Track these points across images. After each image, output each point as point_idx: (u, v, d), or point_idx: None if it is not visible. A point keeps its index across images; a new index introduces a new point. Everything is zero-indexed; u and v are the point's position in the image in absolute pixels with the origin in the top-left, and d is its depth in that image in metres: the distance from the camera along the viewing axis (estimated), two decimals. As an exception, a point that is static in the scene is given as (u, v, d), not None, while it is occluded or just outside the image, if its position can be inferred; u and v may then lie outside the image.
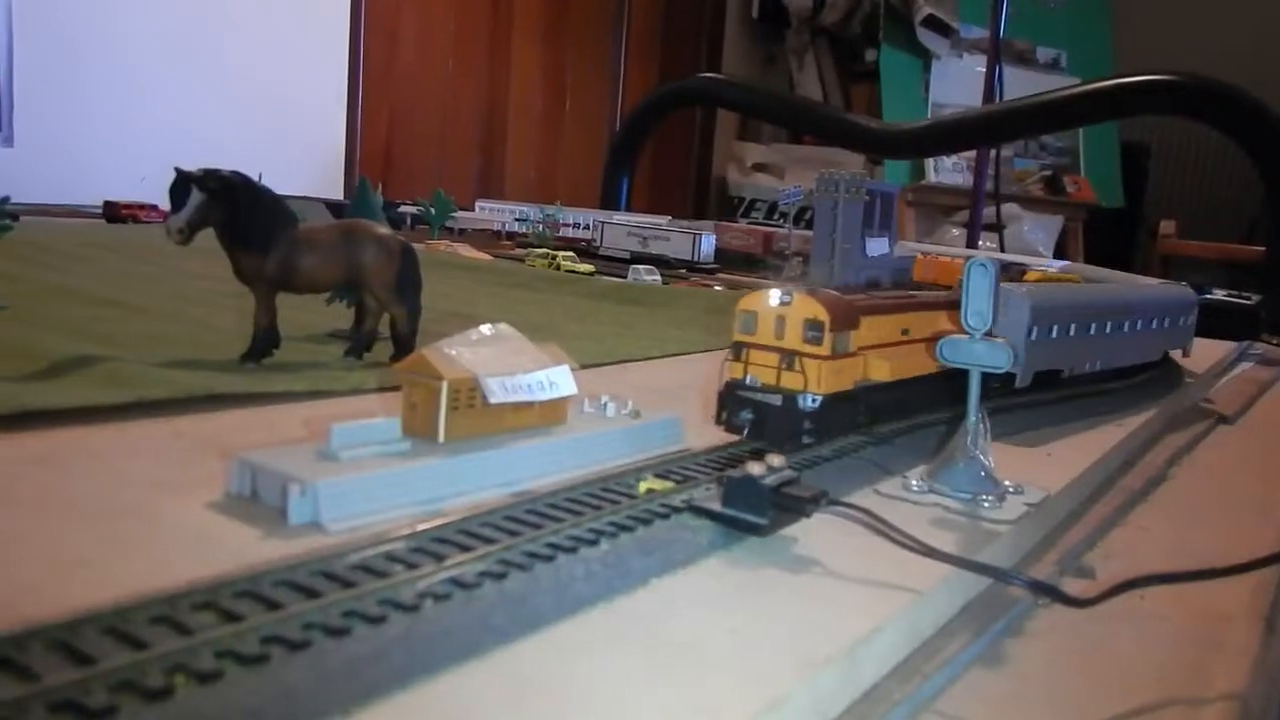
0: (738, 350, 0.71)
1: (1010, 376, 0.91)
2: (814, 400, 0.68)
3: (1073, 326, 0.98)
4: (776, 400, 0.69)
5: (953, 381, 0.84)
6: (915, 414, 0.85)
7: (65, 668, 0.34)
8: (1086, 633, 0.55)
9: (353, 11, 3.84)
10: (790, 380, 0.69)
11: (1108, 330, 1.06)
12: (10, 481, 0.59)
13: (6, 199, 0.98)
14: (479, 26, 4.43)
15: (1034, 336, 0.92)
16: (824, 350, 0.68)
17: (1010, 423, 0.91)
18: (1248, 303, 2.21)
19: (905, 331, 0.80)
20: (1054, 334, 0.95)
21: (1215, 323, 1.82)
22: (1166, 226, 4.33)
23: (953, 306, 0.85)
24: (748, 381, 0.71)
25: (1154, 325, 1.19)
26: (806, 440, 0.70)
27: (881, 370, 0.74)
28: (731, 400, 0.71)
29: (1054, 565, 0.66)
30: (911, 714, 0.46)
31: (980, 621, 0.55)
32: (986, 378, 0.87)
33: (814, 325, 0.68)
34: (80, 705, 0.33)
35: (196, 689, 0.35)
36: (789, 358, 0.69)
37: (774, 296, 0.70)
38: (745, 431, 0.70)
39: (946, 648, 0.52)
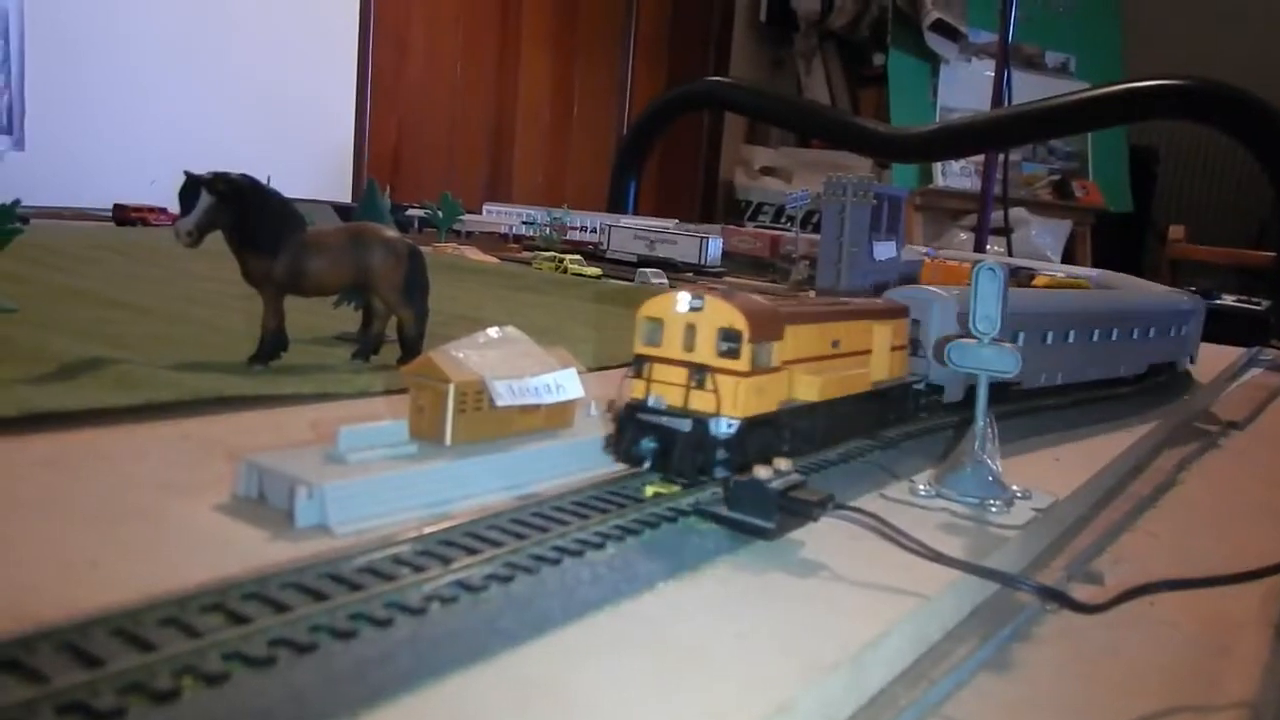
0: (639, 365, 0.61)
1: (943, 391, 0.85)
2: (730, 425, 0.59)
3: (1020, 336, 0.92)
4: (685, 425, 0.59)
5: (886, 401, 0.78)
6: (846, 439, 0.76)
7: (73, 669, 0.34)
8: (1095, 639, 0.55)
9: (361, 18, 3.86)
10: (701, 401, 0.59)
11: (1069, 340, 1.00)
12: (19, 483, 0.59)
13: (17, 202, 0.99)
14: (488, 36, 4.44)
15: None
16: (742, 365, 0.59)
17: (1018, 427, 0.90)
18: (1257, 308, 2.20)
19: (836, 344, 0.71)
20: None
21: (1224, 328, 1.81)
22: (1175, 231, 4.32)
23: (892, 315, 0.79)
24: (650, 403, 0.60)
25: (1135, 335, 1.12)
26: (720, 474, 0.60)
27: (809, 389, 0.64)
28: (631, 425, 0.61)
29: (1062, 571, 0.66)
30: (918, 719, 0.46)
31: (988, 627, 0.55)
32: (916, 396, 0.83)
33: (730, 335, 0.59)
34: (88, 707, 0.33)
35: (204, 691, 0.35)
36: (700, 374, 0.59)
37: (682, 300, 0.60)
38: (647, 464, 0.60)
39: (954, 653, 0.51)
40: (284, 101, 3.46)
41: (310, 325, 1.12)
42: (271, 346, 0.94)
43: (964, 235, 4.09)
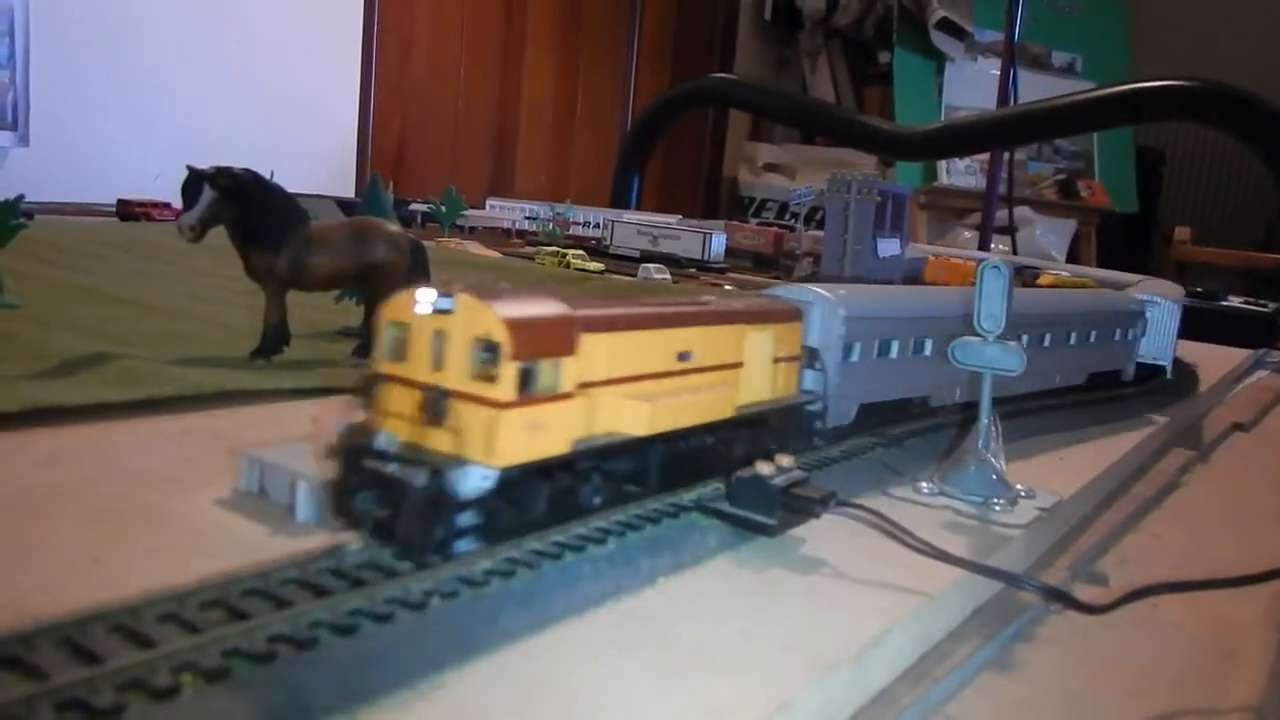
0: (369, 388, 0.46)
1: (832, 419, 0.71)
2: (485, 477, 0.43)
3: (928, 343, 0.78)
4: (419, 478, 0.42)
5: (763, 428, 0.63)
6: (700, 480, 0.59)
7: (73, 666, 0.34)
8: (1099, 640, 0.55)
9: (365, 16, 3.86)
10: (440, 441, 0.43)
11: None
12: (21, 479, 0.59)
13: (21, 198, 0.99)
14: (492, 35, 4.44)
15: (855, 357, 0.72)
16: (502, 391, 0.42)
17: (1022, 426, 0.90)
18: (1264, 310, 2.20)
19: (685, 357, 0.54)
20: (892, 353, 0.76)
21: (1231, 330, 1.81)
22: (1181, 233, 4.31)
23: (776, 318, 0.63)
24: (378, 443, 0.44)
25: (1072, 340, 0.99)
26: (465, 547, 0.44)
27: (634, 419, 0.49)
28: (351, 473, 0.44)
29: (1066, 571, 0.66)
30: (921, 718, 0.45)
31: (991, 626, 0.55)
32: (809, 420, 0.71)
33: (487, 348, 0.43)
34: (87, 704, 0.32)
35: (204, 687, 0.35)
36: (438, 403, 0.43)
37: (424, 300, 0.44)
38: (367, 528, 0.44)
39: (956, 652, 0.51)
40: (288, 97, 3.46)
41: (313, 320, 1.11)
42: (274, 341, 0.94)
43: (968, 234, 4.08)
